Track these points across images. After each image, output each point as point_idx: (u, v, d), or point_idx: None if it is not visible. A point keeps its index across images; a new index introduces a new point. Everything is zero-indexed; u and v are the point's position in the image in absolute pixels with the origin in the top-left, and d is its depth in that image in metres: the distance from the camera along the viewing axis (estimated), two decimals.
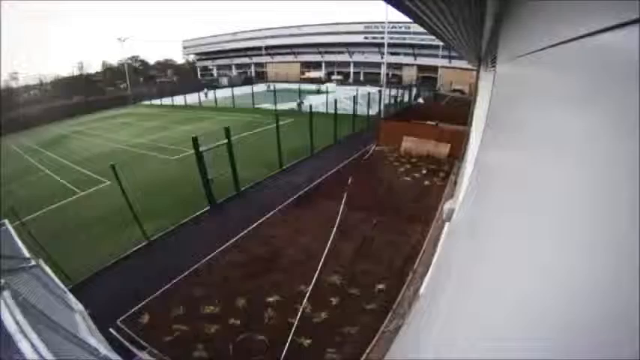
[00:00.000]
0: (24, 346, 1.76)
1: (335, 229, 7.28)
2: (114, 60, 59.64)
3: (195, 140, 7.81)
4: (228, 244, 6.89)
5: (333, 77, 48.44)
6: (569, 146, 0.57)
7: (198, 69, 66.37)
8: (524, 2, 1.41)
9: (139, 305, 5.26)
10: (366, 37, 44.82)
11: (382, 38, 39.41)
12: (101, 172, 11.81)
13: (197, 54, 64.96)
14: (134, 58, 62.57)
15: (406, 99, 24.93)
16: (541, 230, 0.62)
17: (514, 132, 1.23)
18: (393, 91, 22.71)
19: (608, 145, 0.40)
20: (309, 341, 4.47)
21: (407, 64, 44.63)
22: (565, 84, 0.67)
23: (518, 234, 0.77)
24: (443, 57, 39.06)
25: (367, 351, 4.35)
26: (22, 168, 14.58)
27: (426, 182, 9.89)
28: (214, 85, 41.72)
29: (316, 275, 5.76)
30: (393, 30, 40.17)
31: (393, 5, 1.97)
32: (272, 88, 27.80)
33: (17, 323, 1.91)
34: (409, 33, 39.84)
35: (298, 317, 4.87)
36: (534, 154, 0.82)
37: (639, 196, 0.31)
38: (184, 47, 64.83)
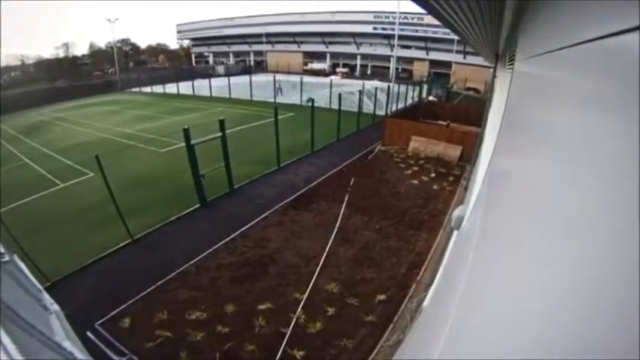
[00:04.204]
0: None
1: (335, 233, 7.28)
2: (102, 42, 59.88)
3: (186, 132, 7.81)
4: (218, 245, 6.90)
5: (338, 70, 48.46)
6: (590, 152, 0.57)
7: (194, 55, 66.38)
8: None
9: (120, 308, 5.27)
10: (375, 28, 44.82)
11: (392, 30, 39.57)
12: (84, 163, 11.80)
13: (192, 39, 64.94)
14: (124, 41, 62.63)
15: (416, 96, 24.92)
16: (557, 242, 0.62)
17: (531, 135, 1.23)
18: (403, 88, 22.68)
19: (634, 151, 0.40)
20: (301, 353, 4.48)
21: (418, 59, 44.67)
22: (587, 86, 0.67)
23: (533, 246, 0.77)
24: (457, 52, 39.10)
25: None
26: None
27: (435, 186, 9.90)
28: (210, 74, 41.71)
29: (312, 282, 5.77)
30: (405, 21, 40.25)
31: None
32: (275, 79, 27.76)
33: None
34: (422, 25, 39.89)
35: (291, 327, 4.88)
36: (552, 160, 0.82)
37: None
38: (179, 32, 64.78)
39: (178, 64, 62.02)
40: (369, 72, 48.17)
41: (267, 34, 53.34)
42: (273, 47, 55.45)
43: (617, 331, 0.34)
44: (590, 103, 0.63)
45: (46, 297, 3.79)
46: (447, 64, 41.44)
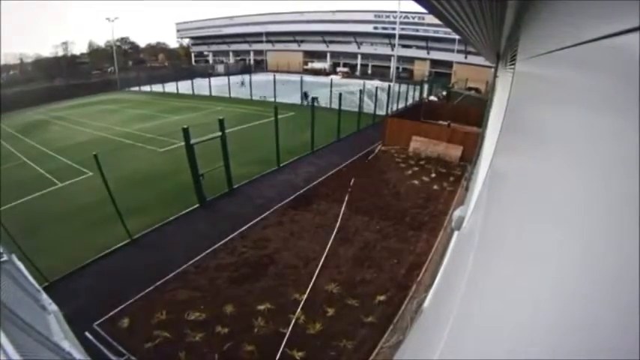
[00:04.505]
0: None
1: (334, 233, 7.28)
2: (101, 41, 59.83)
3: (185, 131, 7.81)
4: (217, 245, 6.89)
5: (339, 69, 48.47)
6: (591, 152, 0.57)
7: (193, 54, 66.35)
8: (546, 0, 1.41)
9: (119, 308, 5.26)
10: (375, 27, 44.85)
11: (393, 29, 39.55)
12: (83, 163, 11.81)
13: (192, 38, 64.92)
14: (123, 40, 62.60)
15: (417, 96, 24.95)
16: (559, 242, 0.62)
17: (532, 136, 1.23)
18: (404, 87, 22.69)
19: (635, 151, 0.40)
20: (301, 354, 4.48)
21: (419, 58, 44.69)
22: (588, 86, 0.67)
23: (534, 246, 0.77)
24: (458, 52, 39.13)
25: None
26: None
27: (435, 187, 9.90)
28: (209, 73, 41.70)
29: (312, 283, 5.77)
30: (406, 20, 40.26)
31: None
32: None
33: None
34: (423, 24, 39.93)
35: (290, 327, 4.88)
36: (553, 160, 0.83)
37: None
38: (178, 30, 64.76)
39: (178, 63, 61.99)
40: (369, 71, 48.17)
41: (267, 33, 53.32)
42: (274, 46, 55.43)
43: (619, 331, 0.34)
44: (591, 103, 0.64)
45: (45, 297, 3.79)
46: (448, 64, 41.46)
